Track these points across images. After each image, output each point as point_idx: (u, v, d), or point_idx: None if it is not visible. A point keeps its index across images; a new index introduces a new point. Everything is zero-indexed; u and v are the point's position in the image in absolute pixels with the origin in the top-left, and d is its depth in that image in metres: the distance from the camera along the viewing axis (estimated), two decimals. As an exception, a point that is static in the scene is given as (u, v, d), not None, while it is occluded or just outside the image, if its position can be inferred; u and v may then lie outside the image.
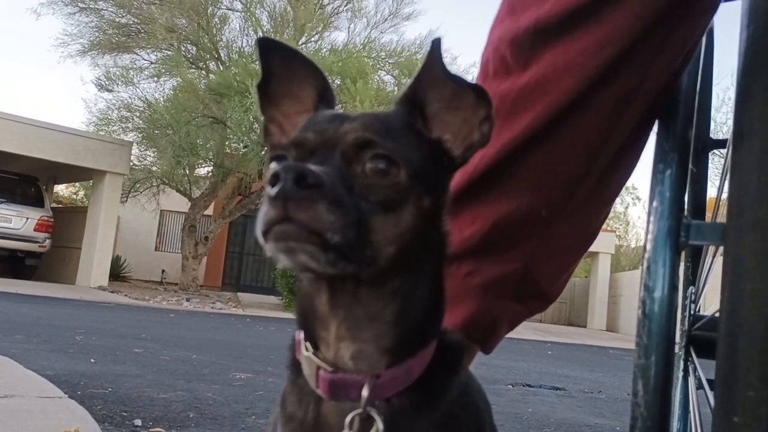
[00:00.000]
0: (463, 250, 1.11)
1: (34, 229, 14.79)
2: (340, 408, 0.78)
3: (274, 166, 0.70)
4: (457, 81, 0.78)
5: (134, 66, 16.97)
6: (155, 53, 16.74)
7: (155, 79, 16.73)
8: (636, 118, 1.04)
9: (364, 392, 0.75)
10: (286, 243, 0.67)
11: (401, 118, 0.80)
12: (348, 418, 0.76)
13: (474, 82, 0.80)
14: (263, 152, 13.65)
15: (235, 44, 16.89)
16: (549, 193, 1.08)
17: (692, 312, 1.60)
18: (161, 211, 19.27)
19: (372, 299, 0.75)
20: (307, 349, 0.80)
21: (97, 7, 16.35)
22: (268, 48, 0.87)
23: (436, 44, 0.77)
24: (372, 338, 0.76)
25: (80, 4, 16.16)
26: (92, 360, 4.52)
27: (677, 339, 1.37)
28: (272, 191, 0.66)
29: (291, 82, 0.88)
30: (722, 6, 1.05)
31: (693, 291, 1.68)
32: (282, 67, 0.88)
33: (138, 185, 17.37)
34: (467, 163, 0.83)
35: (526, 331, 13.86)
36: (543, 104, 1.02)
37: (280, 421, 0.84)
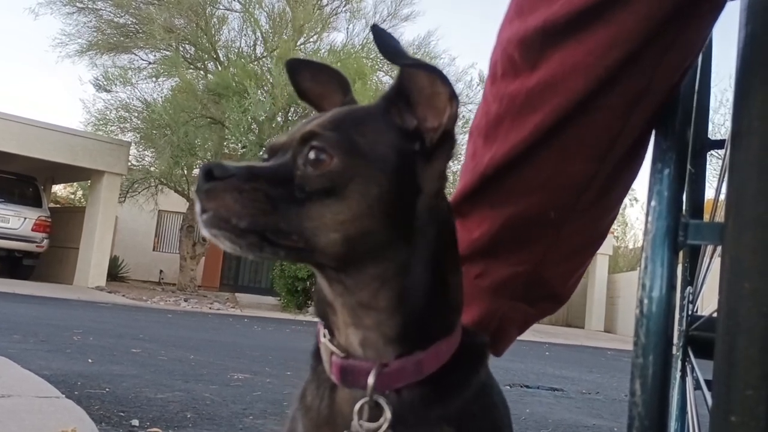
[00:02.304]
0: (472, 252, 1.11)
1: (32, 229, 14.76)
2: (353, 397, 0.80)
3: None
4: (408, 64, 0.79)
5: (132, 66, 16.95)
6: (153, 53, 16.72)
7: (153, 79, 16.72)
8: (644, 118, 1.03)
9: (370, 379, 0.78)
10: (209, 230, 0.74)
11: (377, 108, 0.82)
12: (357, 406, 0.78)
13: (432, 64, 0.81)
14: (261, 152, 13.65)
15: (233, 45, 16.90)
16: (558, 194, 1.08)
17: (690, 312, 1.61)
18: (159, 211, 19.23)
19: (357, 287, 0.78)
20: (324, 336, 0.83)
21: (95, 7, 16.32)
22: (296, 68, 0.94)
23: (376, 31, 0.79)
24: (373, 326, 0.79)
25: (78, 4, 16.13)
26: (90, 360, 4.52)
27: (675, 339, 1.37)
28: (194, 188, 0.74)
29: (326, 93, 0.94)
30: (719, 6, 1.05)
31: (690, 291, 1.68)
32: (313, 82, 0.94)
33: (136, 185, 17.34)
34: (440, 146, 0.82)
35: (524, 332, 13.84)
36: (552, 105, 1.01)
37: (300, 413, 0.86)
